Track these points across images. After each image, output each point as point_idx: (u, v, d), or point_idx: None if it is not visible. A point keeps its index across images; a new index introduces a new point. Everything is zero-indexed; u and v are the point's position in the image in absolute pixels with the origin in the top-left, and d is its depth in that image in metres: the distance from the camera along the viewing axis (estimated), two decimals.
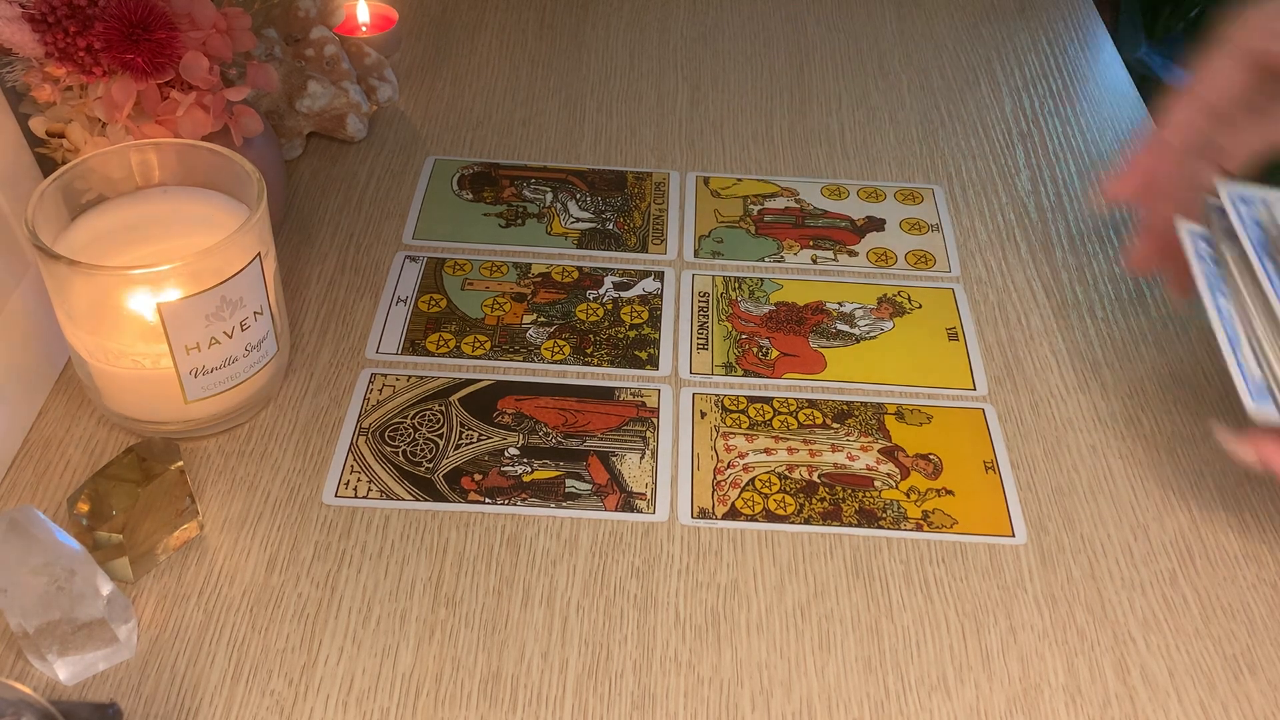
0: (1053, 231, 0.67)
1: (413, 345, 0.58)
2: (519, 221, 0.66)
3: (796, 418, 0.55)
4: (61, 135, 0.54)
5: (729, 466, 0.53)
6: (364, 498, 0.51)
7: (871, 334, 0.60)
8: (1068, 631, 0.47)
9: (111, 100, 0.52)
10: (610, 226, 0.66)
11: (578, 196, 0.68)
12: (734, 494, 0.52)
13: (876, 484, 0.53)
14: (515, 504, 0.51)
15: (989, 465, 0.54)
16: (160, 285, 0.47)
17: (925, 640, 0.47)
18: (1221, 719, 0.45)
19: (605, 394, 0.56)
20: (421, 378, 0.57)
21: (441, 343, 0.59)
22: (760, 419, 0.55)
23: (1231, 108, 0.51)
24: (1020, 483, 0.53)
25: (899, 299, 0.62)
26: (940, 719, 0.44)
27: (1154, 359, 0.59)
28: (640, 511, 0.51)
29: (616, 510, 0.51)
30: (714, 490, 0.52)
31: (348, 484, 0.52)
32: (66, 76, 0.52)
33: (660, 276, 0.63)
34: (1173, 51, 1.20)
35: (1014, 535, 0.51)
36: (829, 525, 0.51)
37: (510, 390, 0.56)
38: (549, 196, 0.68)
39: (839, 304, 0.62)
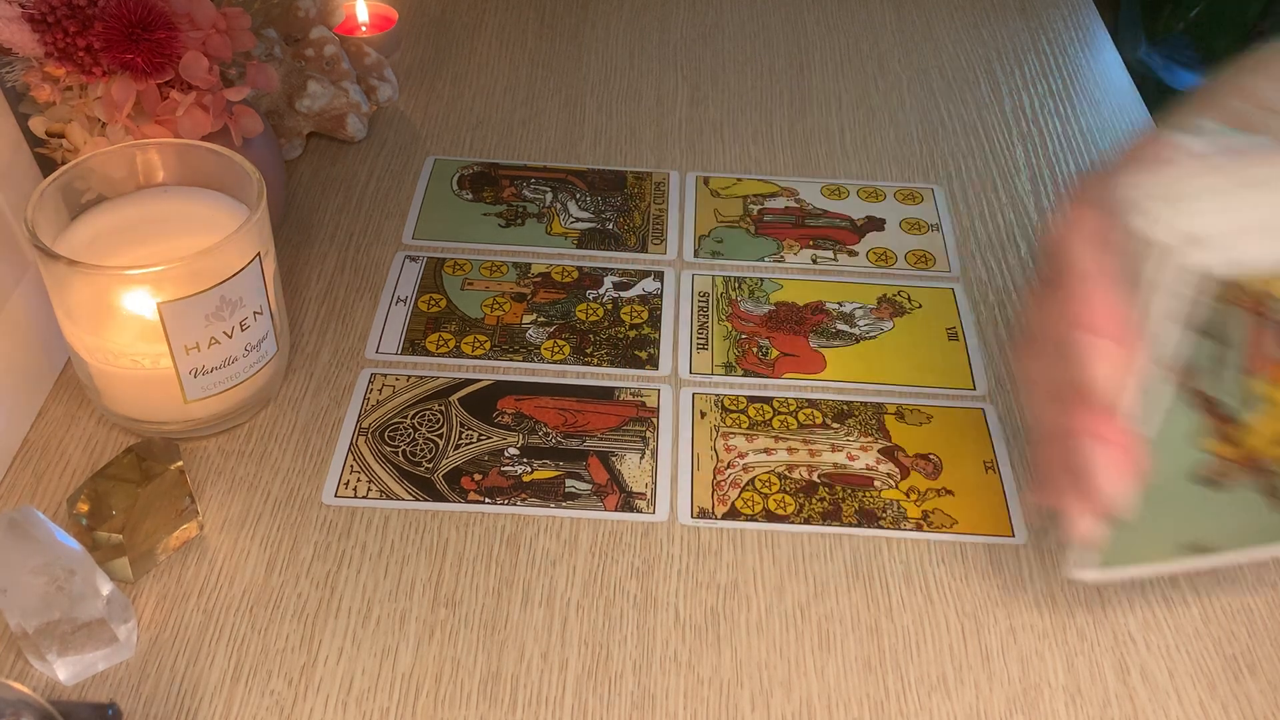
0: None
1: (412, 345, 0.58)
2: (519, 221, 0.66)
3: (796, 418, 0.55)
4: (61, 135, 0.54)
5: (729, 466, 0.53)
6: (364, 498, 0.51)
7: (871, 334, 0.60)
8: (1068, 631, 0.47)
9: (111, 100, 0.52)
10: (610, 226, 0.66)
11: (578, 196, 0.68)
12: (734, 494, 0.52)
13: (876, 484, 0.53)
14: (515, 504, 0.51)
15: (989, 465, 0.54)
16: (160, 285, 0.47)
17: (925, 640, 0.47)
18: (1221, 719, 0.45)
19: (605, 394, 0.56)
20: (421, 378, 0.57)
21: (441, 343, 0.59)
22: (760, 419, 0.55)
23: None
24: (1020, 483, 0.53)
25: (899, 299, 0.62)
26: (940, 719, 0.44)
27: None
28: (640, 511, 0.51)
29: (616, 510, 0.51)
30: (714, 490, 0.52)
31: (347, 484, 0.52)
32: (66, 76, 0.52)
33: (660, 276, 0.63)
34: (1173, 51, 1.19)
35: (1014, 535, 0.51)
36: (829, 525, 0.51)
37: (510, 390, 0.56)
38: (549, 196, 0.68)
39: (839, 304, 0.62)
